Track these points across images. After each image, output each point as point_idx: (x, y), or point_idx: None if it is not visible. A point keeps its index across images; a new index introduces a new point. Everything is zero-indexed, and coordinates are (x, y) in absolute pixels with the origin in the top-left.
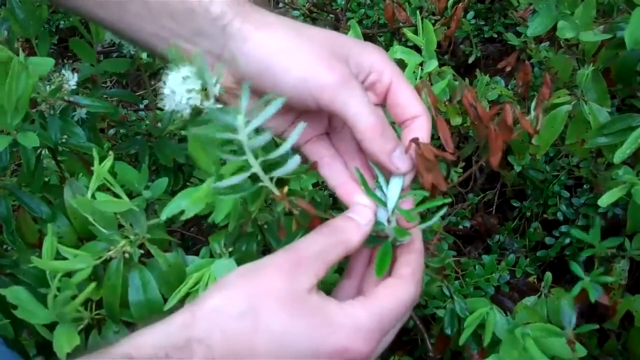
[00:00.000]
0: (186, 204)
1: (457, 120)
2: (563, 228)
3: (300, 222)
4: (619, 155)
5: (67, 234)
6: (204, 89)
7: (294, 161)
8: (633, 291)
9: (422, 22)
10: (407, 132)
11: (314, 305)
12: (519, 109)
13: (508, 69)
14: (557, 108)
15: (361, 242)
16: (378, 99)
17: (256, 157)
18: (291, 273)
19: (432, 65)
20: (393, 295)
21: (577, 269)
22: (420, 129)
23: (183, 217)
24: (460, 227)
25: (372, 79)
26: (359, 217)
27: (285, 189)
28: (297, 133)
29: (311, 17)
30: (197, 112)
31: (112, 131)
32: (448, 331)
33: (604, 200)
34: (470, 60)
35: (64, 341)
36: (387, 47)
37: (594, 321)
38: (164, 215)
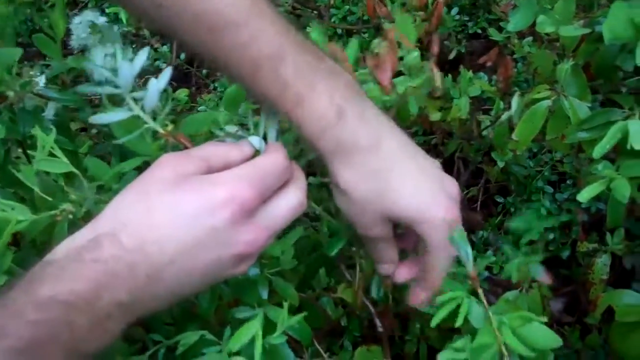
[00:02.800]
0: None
1: (436, 116)
2: (547, 224)
3: None
4: (598, 150)
5: None
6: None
7: (154, 86)
8: (615, 286)
9: (399, 16)
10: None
11: (199, 178)
12: (502, 105)
13: (489, 64)
14: (537, 103)
15: (240, 158)
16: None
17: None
18: (178, 164)
19: (413, 55)
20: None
21: (506, 250)
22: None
23: None
24: None
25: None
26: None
27: (170, 126)
28: (167, 74)
29: (295, 14)
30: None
31: (94, 130)
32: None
33: (584, 195)
34: (451, 56)
35: None
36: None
37: (577, 315)
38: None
